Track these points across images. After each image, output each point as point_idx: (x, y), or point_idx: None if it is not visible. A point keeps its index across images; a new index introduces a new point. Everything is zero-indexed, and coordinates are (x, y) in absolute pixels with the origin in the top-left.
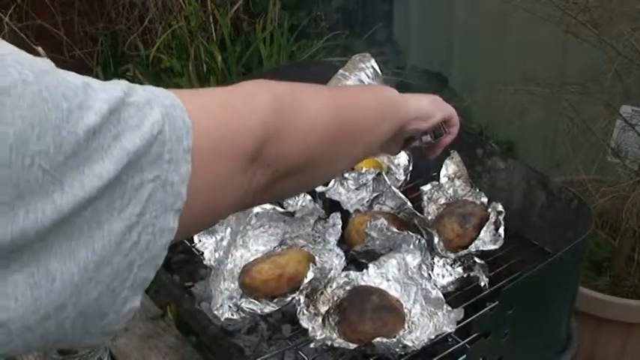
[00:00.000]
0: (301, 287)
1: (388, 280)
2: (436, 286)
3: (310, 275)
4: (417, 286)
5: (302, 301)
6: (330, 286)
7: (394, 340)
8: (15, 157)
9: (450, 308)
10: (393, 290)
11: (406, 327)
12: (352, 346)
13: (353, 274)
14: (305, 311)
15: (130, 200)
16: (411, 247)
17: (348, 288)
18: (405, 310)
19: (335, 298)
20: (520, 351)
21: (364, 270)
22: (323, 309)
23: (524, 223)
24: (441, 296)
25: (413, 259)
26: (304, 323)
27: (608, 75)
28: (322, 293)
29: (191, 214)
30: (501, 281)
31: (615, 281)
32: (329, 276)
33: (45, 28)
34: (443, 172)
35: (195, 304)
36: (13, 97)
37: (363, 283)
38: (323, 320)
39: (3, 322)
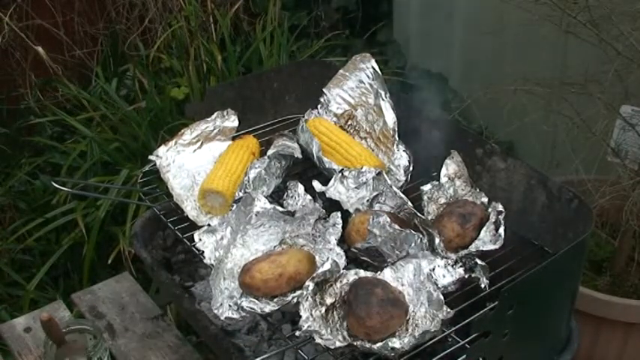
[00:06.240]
0: (314, 275)
1: (403, 285)
2: (438, 287)
3: (327, 266)
4: (424, 290)
5: (311, 287)
6: (340, 282)
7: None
8: None
9: (449, 310)
10: (406, 294)
11: (409, 323)
12: (338, 344)
13: (363, 273)
14: (310, 298)
15: None
16: (420, 249)
17: None
18: (411, 312)
19: (342, 294)
20: (520, 351)
21: (378, 272)
22: (329, 301)
23: (524, 223)
24: (442, 298)
25: (429, 264)
26: (302, 311)
27: (608, 75)
28: (331, 286)
29: None
30: (501, 281)
31: (615, 281)
32: (342, 271)
33: (45, 28)
34: (443, 171)
35: (195, 304)
36: None
37: None
38: (326, 312)
39: None
